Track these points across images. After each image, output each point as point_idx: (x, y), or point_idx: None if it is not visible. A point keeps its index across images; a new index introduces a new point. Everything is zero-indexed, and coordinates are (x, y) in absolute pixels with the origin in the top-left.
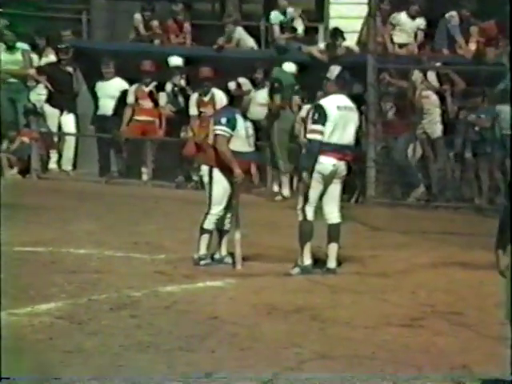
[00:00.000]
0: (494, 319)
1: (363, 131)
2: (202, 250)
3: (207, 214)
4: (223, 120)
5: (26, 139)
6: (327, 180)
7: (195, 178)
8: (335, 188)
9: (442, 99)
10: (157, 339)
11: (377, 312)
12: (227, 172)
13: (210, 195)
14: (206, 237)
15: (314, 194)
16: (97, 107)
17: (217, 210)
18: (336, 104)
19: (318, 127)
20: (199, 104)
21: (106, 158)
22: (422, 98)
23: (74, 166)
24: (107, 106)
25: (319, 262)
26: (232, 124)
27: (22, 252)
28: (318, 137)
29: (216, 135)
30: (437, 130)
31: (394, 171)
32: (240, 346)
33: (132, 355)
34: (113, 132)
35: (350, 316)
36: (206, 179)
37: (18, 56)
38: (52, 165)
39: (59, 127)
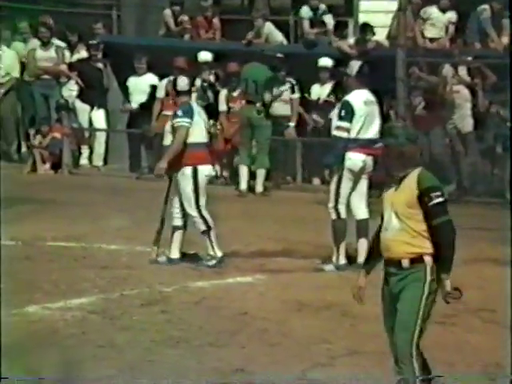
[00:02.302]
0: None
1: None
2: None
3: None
4: (179, 112)
5: (57, 135)
6: (357, 176)
7: (225, 173)
8: (363, 184)
9: (473, 93)
10: (187, 334)
11: None
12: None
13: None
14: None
15: (344, 191)
16: (128, 102)
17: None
18: (362, 99)
19: (345, 124)
20: (228, 99)
21: (137, 153)
22: (452, 93)
23: (105, 161)
24: (138, 101)
25: (351, 258)
26: (189, 114)
27: (54, 247)
28: (344, 134)
29: (176, 127)
30: (467, 124)
31: (424, 166)
32: (270, 341)
33: (163, 350)
34: (143, 127)
35: (380, 312)
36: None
37: (52, 52)
38: (83, 160)
39: (90, 123)
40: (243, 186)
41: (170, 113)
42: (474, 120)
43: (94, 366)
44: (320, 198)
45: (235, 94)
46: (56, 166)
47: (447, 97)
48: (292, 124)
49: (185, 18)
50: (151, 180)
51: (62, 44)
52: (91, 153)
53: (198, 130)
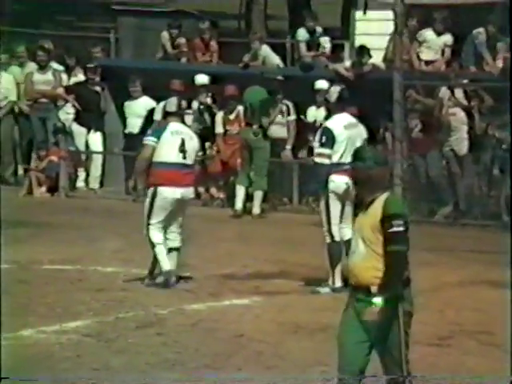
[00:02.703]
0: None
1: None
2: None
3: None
4: (149, 131)
5: (54, 158)
6: (342, 198)
7: (222, 195)
8: (348, 205)
9: (470, 116)
10: (183, 357)
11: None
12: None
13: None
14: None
15: (334, 213)
16: (125, 126)
17: None
18: (343, 124)
19: (326, 151)
20: (225, 122)
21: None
22: (449, 115)
23: (101, 184)
24: (134, 125)
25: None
26: (157, 134)
27: (50, 270)
28: (325, 160)
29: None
30: (464, 146)
31: (420, 189)
32: (266, 364)
33: (158, 373)
34: (139, 150)
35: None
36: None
37: (50, 76)
38: (79, 183)
39: (87, 146)
40: (238, 205)
41: None
42: (471, 142)
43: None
44: (316, 220)
45: (232, 116)
46: (52, 189)
47: (444, 119)
48: (288, 146)
49: (182, 40)
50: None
51: (60, 67)
52: (87, 175)
53: (167, 150)
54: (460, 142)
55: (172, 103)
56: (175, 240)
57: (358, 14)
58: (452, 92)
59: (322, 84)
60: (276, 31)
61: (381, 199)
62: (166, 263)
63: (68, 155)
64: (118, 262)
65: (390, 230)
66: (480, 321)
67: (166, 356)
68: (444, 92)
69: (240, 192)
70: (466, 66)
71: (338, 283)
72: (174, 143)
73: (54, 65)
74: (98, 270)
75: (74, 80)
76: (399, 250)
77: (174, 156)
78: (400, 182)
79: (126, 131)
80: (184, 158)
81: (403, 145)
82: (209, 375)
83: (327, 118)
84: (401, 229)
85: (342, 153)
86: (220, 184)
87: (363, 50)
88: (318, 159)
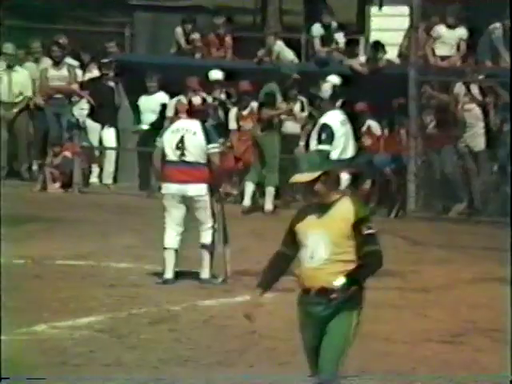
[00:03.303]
0: None
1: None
2: (212, 269)
3: (214, 230)
4: (217, 137)
5: (68, 154)
6: None
7: (235, 192)
8: None
9: (485, 112)
10: (195, 353)
11: (417, 327)
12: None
13: (213, 211)
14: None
15: None
16: (139, 121)
17: (216, 224)
18: (338, 120)
19: (326, 147)
20: (238, 118)
21: (147, 171)
22: (464, 111)
23: (115, 180)
24: (148, 120)
25: None
26: (161, 134)
27: (63, 265)
28: None
29: (214, 153)
30: (479, 143)
31: (434, 185)
32: (278, 360)
33: (171, 369)
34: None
35: (389, 331)
36: (206, 197)
37: (65, 71)
38: (93, 179)
39: (100, 141)
40: (246, 202)
41: None
42: (486, 138)
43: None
44: None
45: (245, 112)
46: (66, 184)
47: (459, 115)
48: (302, 143)
49: (196, 36)
50: (161, 199)
51: (74, 63)
52: (101, 171)
53: (166, 148)
54: (475, 138)
55: (198, 101)
56: (205, 236)
57: (374, 9)
58: (467, 88)
59: (333, 79)
60: (291, 26)
61: (346, 203)
62: (167, 270)
63: (82, 151)
64: (130, 258)
65: (367, 232)
66: (493, 318)
67: (178, 352)
68: (459, 88)
69: (248, 188)
70: (481, 62)
71: None
72: (172, 141)
73: (69, 60)
74: (110, 265)
75: (88, 76)
76: (378, 249)
77: (170, 154)
78: (414, 178)
79: (143, 127)
80: (182, 155)
81: (418, 141)
82: (222, 374)
83: (321, 114)
84: (374, 230)
85: (341, 149)
86: (234, 180)
87: (378, 46)
88: None
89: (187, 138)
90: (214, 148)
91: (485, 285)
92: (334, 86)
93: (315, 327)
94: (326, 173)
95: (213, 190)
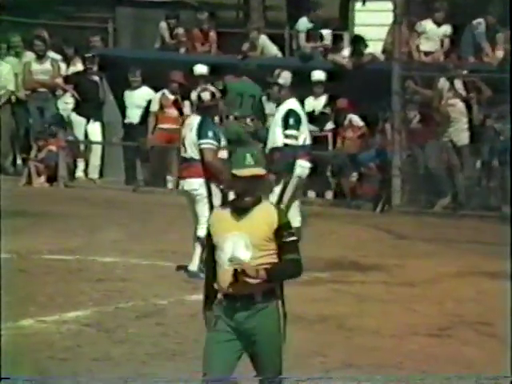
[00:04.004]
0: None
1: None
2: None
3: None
4: (210, 133)
5: (53, 148)
6: (302, 183)
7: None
8: (299, 191)
9: (469, 107)
10: (183, 347)
11: (403, 321)
12: (219, 183)
13: (212, 206)
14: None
15: (287, 198)
16: (124, 116)
17: None
18: (300, 108)
19: (294, 132)
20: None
21: (132, 166)
22: (448, 106)
23: (101, 174)
24: (134, 115)
25: None
26: (217, 136)
27: (50, 260)
28: (294, 142)
29: (204, 148)
30: (463, 138)
31: (419, 180)
32: None
33: (158, 363)
34: (139, 140)
35: (376, 325)
36: (201, 191)
37: (48, 65)
38: (79, 173)
39: (86, 136)
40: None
41: (165, 126)
42: (470, 133)
43: (89, 380)
44: (315, 211)
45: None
46: (51, 178)
47: (443, 110)
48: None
49: (180, 30)
50: (147, 193)
51: (58, 57)
52: (87, 166)
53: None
54: (459, 132)
55: (207, 96)
56: (200, 229)
57: (358, 4)
58: (451, 83)
59: (319, 75)
60: (274, 22)
61: (268, 207)
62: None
63: (66, 145)
64: (117, 253)
65: (290, 239)
66: (479, 312)
67: (165, 346)
68: (443, 83)
69: None
70: (464, 57)
71: None
72: (181, 137)
73: (52, 54)
74: (97, 260)
75: (72, 70)
76: (299, 258)
77: (181, 150)
78: (399, 172)
79: (126, 121)
80: (185, 151)
81: (402, 135)
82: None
83: (332, 105)
84: (295, 238)
85: (305, 136)
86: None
87: (359, 40)
88: (288, 141)
89: (187, 134)
90: (205, 144)
91: (470, 278)
92: (292, 74)
93: (234, 333)
94: (265, 175)
95: (209, 184)
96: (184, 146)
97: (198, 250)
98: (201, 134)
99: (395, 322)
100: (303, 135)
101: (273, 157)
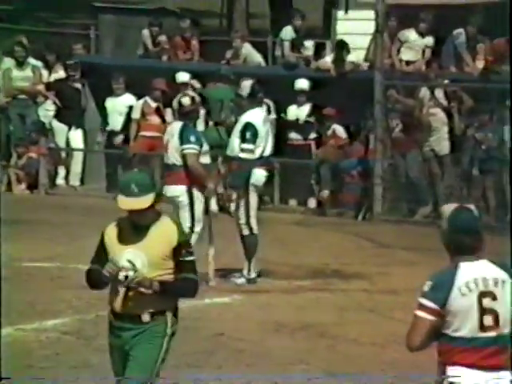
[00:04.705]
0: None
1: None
2: None
3: (192, 232)
4: (192, 138)
5: (34, 155)
6: (259, 191)
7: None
8: (256, 199)
9: (450, 116)
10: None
11: (385, 329)
12: (202, 189)
13: (193, 213)
14: None
15: (253, 205)
16: (106, 123)
17: (199, 227)
18: (261, 118)
19: (250, 146)
20: (207, 120)
21: (114, 173)
22: (429, 116)
23: (82, 181)
24: (116, 122)
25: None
26: (200, 141)
27: (30, 267)
28: (250, 155)
29: (187, 153)
30: (444, 147)
31: (400, 188)
32: (246, 362)
33: None
34: (121, 148)
35: (358, 333)
36: (182, 199)
37: (29, 72)
38: (60, 180)
39: (67, 143)
40: (213, 206)
41: (147, 134)
42: (451, 143)
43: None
44: (297, 219)
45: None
46: (32, 186)
47: (424, 119)
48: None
49: (163, 38)
50: None
51: (39, 63)
52: (68, 173)
53: None
54: (440, 142)
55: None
56: None
57: (340, 13)
58: (432, 92)
59: (302, 83)
60: (258, 30)
61: (165, 223)
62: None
63: (47, 152)
64: None
65: (188, 259)
66: None
67: None
68: (424, 92)
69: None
70: (445, 67)
71: (253, 274)
72: (164, 144)
73: (33, 61)
74: (78, 267)
75: (54, 76)
76: (195, 278)
77: (164, 156)
78: (380, 181)
79: (108, 128)
80: (167, 158)
81: (384, 144)
82: (189, 376)
83: (316, 114)
84: (193, 258)
85: (263, 147)
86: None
87: (342, 45)
88: (243, 155)
89: (169, 140)
90: (188, 149)
91: None
92: (253, 84)
93: (123, 352)
94: (156, 194)
95: (191, 191)
96: (167, 152)
97: None
98: (183, 139)
99: (377, 330)
100: (260, 148)
101: (229, 164)
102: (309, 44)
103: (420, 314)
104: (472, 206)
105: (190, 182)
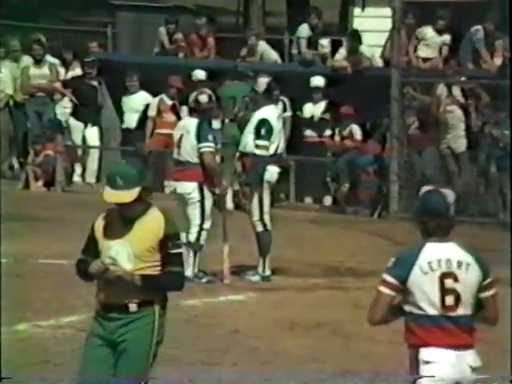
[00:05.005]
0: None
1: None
2: (199, 266)
3: (201, 229)
4: (210, 137)
5: (50, 152)
6: (272, 187)
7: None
8: (269, 195)
9: (467, 113)
10: (178, 352)
11: (400, 327)
12: (212, 186)
13: (203, 210)
14: (199, 252)
15: (267, 202)
16: (122, 121)
17: (209, 224)
18: (275, 115)
19: (265, 142)
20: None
21: None
22: (446, 113)
23: (98, 178)
24: (131, 120)
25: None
26: (216, 139)
27: (46, 264)
28: (264, 152)
29: (204, 152)
30: (461, 144)
31: (416, 186)
32: (261, 360)
33: (154, 368)
34: (136, 145)
35: (372, 331)
36: (194, 195)
37: (46, 70)
38: (76, 178)
39: (83, 140)
40: (229, 204)
41: (163, 131)
42: (468, 140)
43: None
44: (312, 217)
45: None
46: (49, 183)
47: (441, 117)
48: (283, 143)
49: (179, 36)
50: None
51: (56, 61)
52: (84, 170)
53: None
54: (457, 139)
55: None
56: (190, 234)
57: (357, 10)
58: (449, 89)
59: (318, 81)
60: (274, 27)
61: (155, 215)
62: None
63: (64, 150)
64: None
65: (174, 251)
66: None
67: (161, 351)
68: (441, 89)
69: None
70: (463, 64)
71: (268, 271)
72: (175, 139)
73: (50, 59)
74: None
75: (71, 74)
76: (181, 271)
77: (174, 152)
78: (396, 178)
79: (124, 126)
80: (178, 154)
81: (400, 142)
82: (205, 374)
83: (332, 112)
84: (181, 250)
85: (277, 144)
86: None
87: (354, 36)
88: (258, 151)
89: (184, 137)
90: (205, 147)
91: None
92: (270, 81)
93: (109, 342)
94: (143, 188)
95: (202, 188)
96: (179, 148)
97: (191, 254)
98: (200, 137)
99: (392, 328)
100: (274, 145)
101: (243, 161)
102: (325, 41)
103: (382, 289)
104: (447, 190)
105: (202, 179)
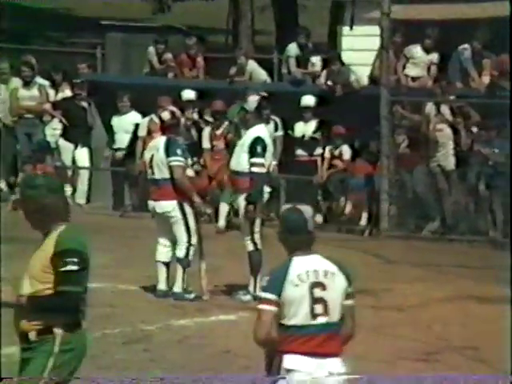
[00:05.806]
0: (509, 354)
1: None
2: (185, 283)
3: (190, 245)
4: (179, 151)
5: (40, 173)
6: (263, 206)
7: (208, 211)
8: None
9: (456, 132)
10: (170, 373)
11: (391, 346)
12: (191, 203)
13: (188, 227)
14: (186, 270)
15: (258, 222)
16: (113, 141)
17: (195, 239)
18: (268, 134)
19: (261, 160)
20: (212, 137)
21: (120, 191)
22: (435, 131)
23: (88, 199)
24: (122, 140)
25: None
26: (185, 154)
27: None
28: (262, 170)
29: (173, 166)
30: (450, 162)
31: (407, 204)
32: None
33: None
34: (127, 166)
35: (364, 350)
36: (174, 214)
37: (35, 91)
38: None
39: (73, 161)
40: (221, 222)
41: None
42: (457, 158)
43: None
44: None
45: (218, 131)
46: None
47: (430, 135)
48: (274, 162)
49: (169, 56)
50: (134, 218)
51: (45, 82)
52: (74, 191)
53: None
54: (446, 157)
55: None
56: (161, 253)
57: (345, 29)
58: (438, 108)
59: (308, 100)
60: (263, 46)
61: (54, 234)
62: (160, 282)
63: (54, 171)
64: (104, 278)
65: (62, 269)
66: (467, 336)
67: (152, 372)
68: (430, 108)
69: (223, 209)
70: (452, 83)
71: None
72: (147, 160)
73: (39, 80)
74: None
75: (61, 95)
76: (69, 290)
77: (148, 173)
78: (387, 196)
79: (114, 147)
80: (152, 173)
81: (390, 160)
82: None
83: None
84: (74, 268)
85: (269, 163)
86: (207, 199)
87: (333, 55)
88: (255, 169)
89: (154, 155)
90: (174, 161)
91: (459, 303)
92: (260, 100)
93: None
94: (42, 200)
95: (182, 205)
96: (151, 168)
97: (179, 271)
98: (169, 152)
99: (383, 347)
100: (267, 163)
101: (234, 180)
102: (316, 59)
103: (262, 306)
104: (304, 207)
105: (179, 196)
